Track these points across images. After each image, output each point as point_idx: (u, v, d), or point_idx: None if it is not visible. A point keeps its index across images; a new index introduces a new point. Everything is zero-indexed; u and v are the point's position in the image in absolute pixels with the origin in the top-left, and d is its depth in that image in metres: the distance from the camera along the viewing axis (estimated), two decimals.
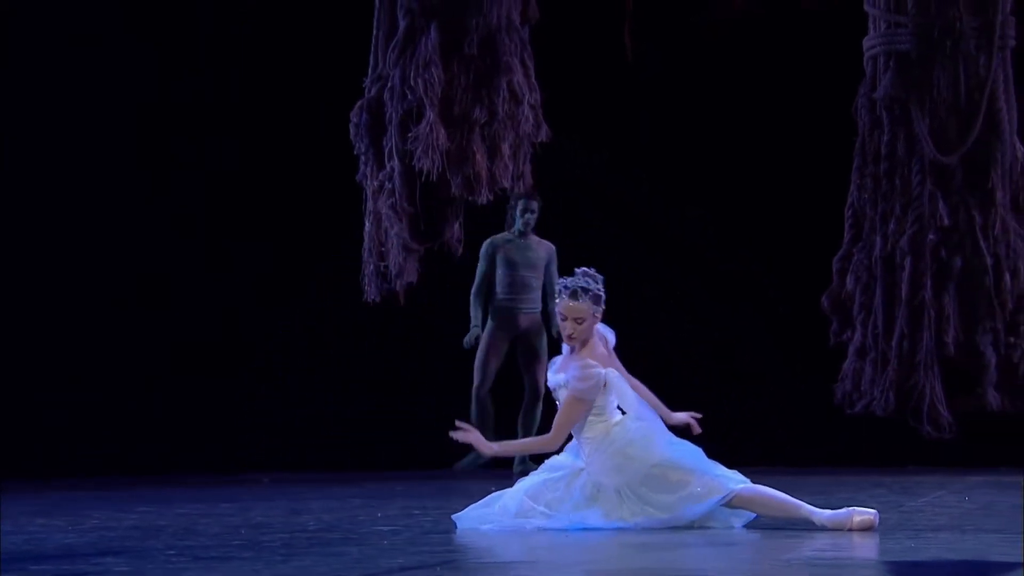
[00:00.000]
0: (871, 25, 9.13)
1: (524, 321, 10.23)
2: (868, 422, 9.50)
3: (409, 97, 8.65)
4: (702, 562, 4.83)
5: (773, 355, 11.07)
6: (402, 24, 8.82)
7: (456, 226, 8.96)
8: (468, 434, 6.23)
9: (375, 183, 8.89)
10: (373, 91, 8.98)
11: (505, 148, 8.74)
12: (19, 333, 10.86)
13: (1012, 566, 4.52)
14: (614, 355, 6.44)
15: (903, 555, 4.84)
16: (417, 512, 6.91)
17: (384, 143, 8.88)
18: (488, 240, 10.26)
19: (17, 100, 10.87)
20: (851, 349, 9.35)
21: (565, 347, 6.46)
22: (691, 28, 11.14)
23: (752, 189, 11.26)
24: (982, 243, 8.92)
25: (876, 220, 9.20)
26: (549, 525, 6.02)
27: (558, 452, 6.34)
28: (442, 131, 8.59)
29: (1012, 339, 8.88)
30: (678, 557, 5.08)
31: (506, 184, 8.27)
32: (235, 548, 5.32)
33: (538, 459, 6.55)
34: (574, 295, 6.32)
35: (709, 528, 5.95)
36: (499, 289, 10.24)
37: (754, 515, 6.11)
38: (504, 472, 9.29)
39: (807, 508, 5.99)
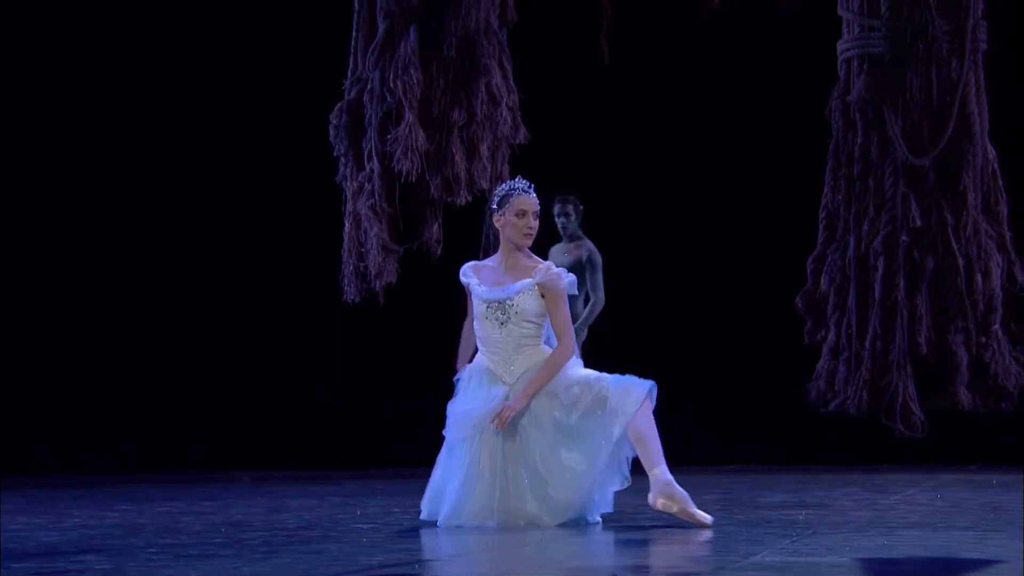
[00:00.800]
0: (845, 28, 9.20)
1: None
2: (842, 421, 9.59)
3: (388, 99, 8.70)
4: (672, 560, 4.89)
5: (748, 354, 11.13)
6: (381, 27, 8.87)
7: (435, 227, 9.02)
8: (501, 415, 6.11)
9: (355, 184, 8.94)
10: (353, 93, 9.03)
11: (484, 150, 8.80)
12: None
13: (982, 563, 4.59)
14: None
15: (876, 552, 4.89)
16: (396, 510, 6.95)
17: (364, 145, 8.93)
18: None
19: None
20: (825, 349, 9.43)
21: (487, 259, 6.38)
22: (667, 31, 11.20)
23: (727, 190, 11.31)
24: (954, 244, 9.01)
25: (850, 221, 9.28)
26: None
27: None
28: (421, 133, 8.64)
29: (983, 339, 8.97)
30: (648, 555, 5.13)
31: (484, 185, 8.33)
32: (216, 546, 5.35)
33: None
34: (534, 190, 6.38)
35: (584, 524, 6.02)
36: None
37: (610, 509, 6.19)
38: None
39: (660, 468, 5.99)
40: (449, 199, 8.82)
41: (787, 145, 10.75)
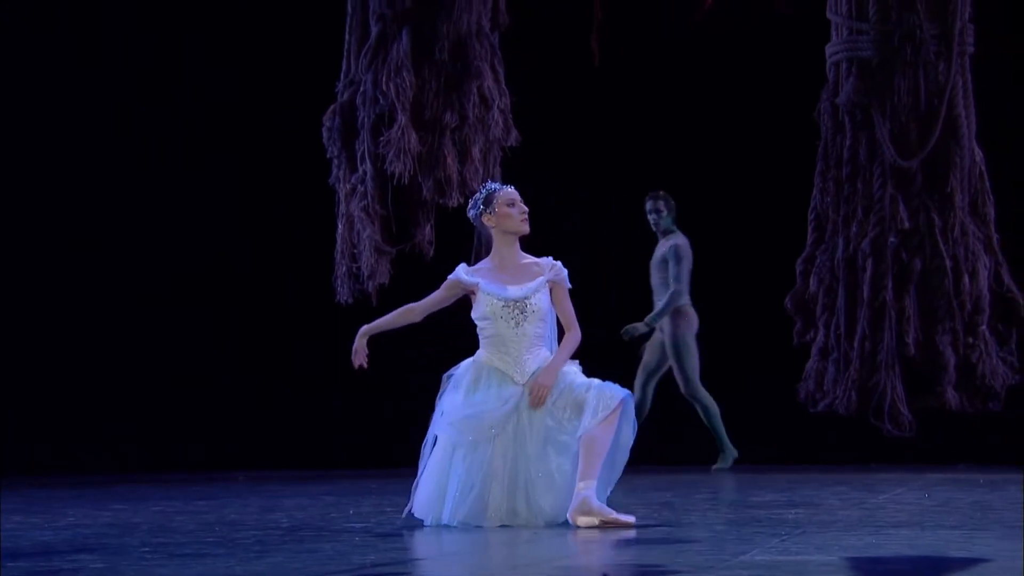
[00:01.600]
0: (834, 32, 9.26)
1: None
2: (831, 420, 9.65)
3: (381, 102, 8.76)
4: (662, 558, 4.93)
5: (737, 355, 11.16)
6: (374, 30, 8.92)
7: (427, 228, 9.08)
8: (536, 395, 6.08)
9: (347, 186, 9.00)
10: (345, 96, 9.09)
11: (475, 152, 8.86)
12: None
13: (970, 562, 4.62)
14: None
15: (865, 551, 4.91)
16: (389, 509, 6.98)
17: (356, 147, 8.99)
18: None
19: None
20: (814, 349, 9.49)
21: (480, 264, 6.38)
22: (658, 34, 11.23)
23: (716, 191, 11.32)
24: (942, 245, 9.07)
25: (838, 223, 9.34)
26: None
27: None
28: (413, 135, 8.70)
29: (971, 339, 9.04)
30: (639, 553, 5.17)
31: (476, 187, 8.39)
32: (209, 545, 5.36)
33: None
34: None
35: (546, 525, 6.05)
36: None
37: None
38: None
39: (585, 483, 5.98)
40: (441, 201, 8.88)
41: (776, 147, 10.78)
